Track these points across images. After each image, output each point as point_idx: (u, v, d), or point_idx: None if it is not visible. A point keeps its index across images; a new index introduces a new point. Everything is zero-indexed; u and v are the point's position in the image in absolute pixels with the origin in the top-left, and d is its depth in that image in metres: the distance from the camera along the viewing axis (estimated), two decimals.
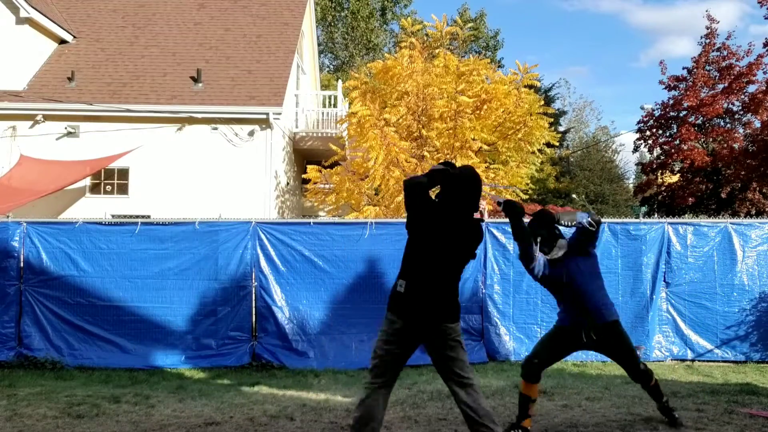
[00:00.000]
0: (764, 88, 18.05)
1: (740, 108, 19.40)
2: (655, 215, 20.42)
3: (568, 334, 5.21)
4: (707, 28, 19.54)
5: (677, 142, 19.50)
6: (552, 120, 14.10)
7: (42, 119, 14.36)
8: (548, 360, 5.32)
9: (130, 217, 11.56)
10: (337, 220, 12.20)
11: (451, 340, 4.08)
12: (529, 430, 5.21)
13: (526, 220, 5.12)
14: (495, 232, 9.06)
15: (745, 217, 16.61)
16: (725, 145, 18.85)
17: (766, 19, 23.78)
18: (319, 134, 17.07)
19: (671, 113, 20.11)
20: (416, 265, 4.05)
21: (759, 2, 17.97)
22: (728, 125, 19.96)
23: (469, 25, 17.96)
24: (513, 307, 8.96)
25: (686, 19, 62.64)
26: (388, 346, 4.06)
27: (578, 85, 69.41)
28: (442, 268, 4.03)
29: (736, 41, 54.29)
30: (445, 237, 4.05)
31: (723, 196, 18.58)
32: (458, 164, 12.27)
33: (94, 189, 14.53)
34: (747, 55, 19.08)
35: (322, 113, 17.64)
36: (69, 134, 14.34)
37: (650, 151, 21.66)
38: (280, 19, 17.36)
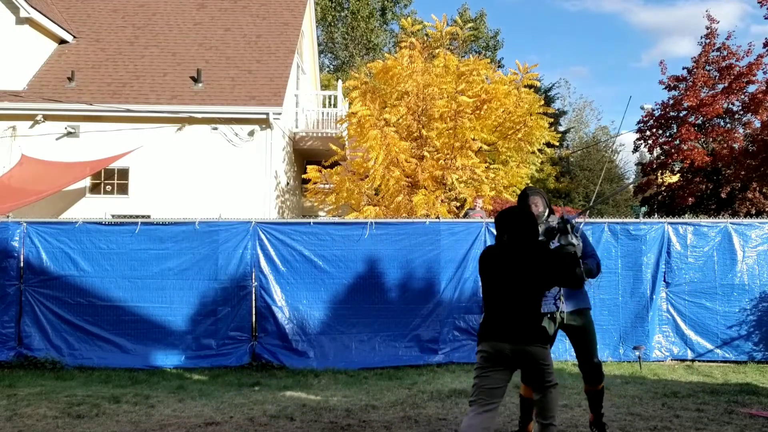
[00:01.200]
0: (764, 88, 18.03)
1: (740, 108, 19.38)
2: (655, 215, 20.39)
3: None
4: (707, 28, 19.52)
5: (677, 142, 19.49)
6: (552, 120, 14.10)
7: (42, 119, 14.37)
8: None
9: (130, 217, 11.57)
10: (337, 220, 12.21)
11: (538, 367, 4.39)
12: None
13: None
14: (495, 232, 9.05)
15: (745, 217, 16.59)
16: (725, 145, 18.84)
17: (766, 19, 23.70)
18: (319, 134, 17.07)
19: (671, 113, 20.09)
20: (486, 299, 4.51)
21: (759, 2, 17.97)
22: (728, 125, 19.94)
23: (469, 25, 17.96)
24: None
25: (688, 19, 62.66)
26: (477, 372, 4.36)
27: (580, 85, 69.29)
28: (506, 296, 4.36)
29: (738, 41, 54.21)
30: (501, 270, 4.43)
31: (723, 196, 18.55)
32: (458, 163, 12.36)
33: (94, 189, 14.53)
34: (747, 55, 19.06)
35: (322, 113, 17.65)
36: (69, 134, 14.34)
37: (650, 151, 21.64)
38: (280, 19, 17.36)
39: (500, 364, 4.29)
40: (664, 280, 9.02)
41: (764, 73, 18.63)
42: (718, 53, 19.50)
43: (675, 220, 9.60)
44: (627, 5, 64.26)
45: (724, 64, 19.30)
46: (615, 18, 64.40)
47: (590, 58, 63.94)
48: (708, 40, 19.56)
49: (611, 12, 63.65)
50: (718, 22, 19.47)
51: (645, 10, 64.58)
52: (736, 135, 19.14)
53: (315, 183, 13.45)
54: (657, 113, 20.39)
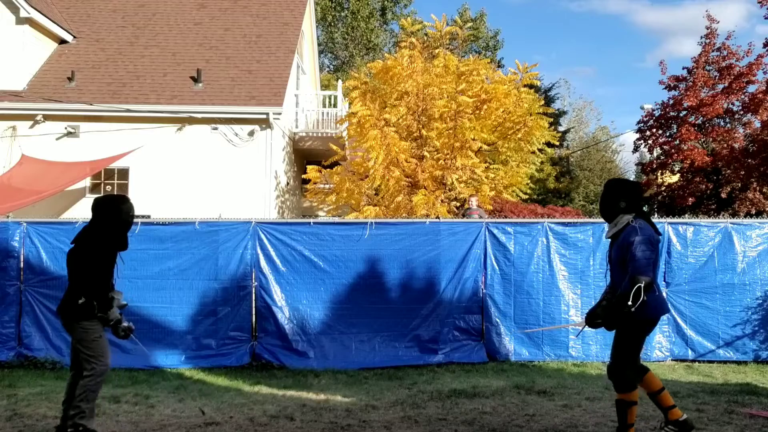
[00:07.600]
0: (764, 88, 18.03)
1: (740, 108, 19.38)
2: (655, 215, 20.38)
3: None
4: (707, 28, 19.53)
5: (677, 142, 19.49)
6: (552, 120, 14.12)
7: (42, 119, 14.36)
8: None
9: None
10: (337, 220, 12.21)
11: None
12: None
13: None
14: (495, 232, 9.05)
15: (745, 217, 16.59)
16: (725, 145, 18.83)
17: (766, 18, 23.77)
18: (319, 134, 17.08)
19: (671, 113, 20.08)
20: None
21: (759, 2, 17.97)
22: (728, 125, 19.94)
23: (469, 25, 17.97)
24: (513, 307, 8.95)
25: (693, 19, 62.59)
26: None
27: (584, 85, 68.76)
28: None
29: (743, 41, 54.12)
30: None
31: (723, 196, 18.54)
32: (458, 163, 12.34)
33: (95, 189, 14.53)
34: (747, 55, 19.07)
35: (322, 113, 17.65)
36: (69, 134, 14.34)
37: (650, 151, 21.63)
38: (280, 19, 17.36)
39: None
40: (665, 280, 9.00)
41: (764, 73, 18.66)
42: (718, 53, 19.50)
43: (675, 220, 9.59)
44: (632, 6, 64.18)
45: (724, 64, 19.31)
46: (620, 18, 64.36)
47: (595, 58, 63.86)
48: (708, 40, 19.56)
49: (616, 12, 63.58)
50: (718, 22, 19.49)
51: (651, 11, 64.51)
52: (736, 135, 19.13)
53: (315, 183, 13.46)
54: (657, 113, 20.39)
